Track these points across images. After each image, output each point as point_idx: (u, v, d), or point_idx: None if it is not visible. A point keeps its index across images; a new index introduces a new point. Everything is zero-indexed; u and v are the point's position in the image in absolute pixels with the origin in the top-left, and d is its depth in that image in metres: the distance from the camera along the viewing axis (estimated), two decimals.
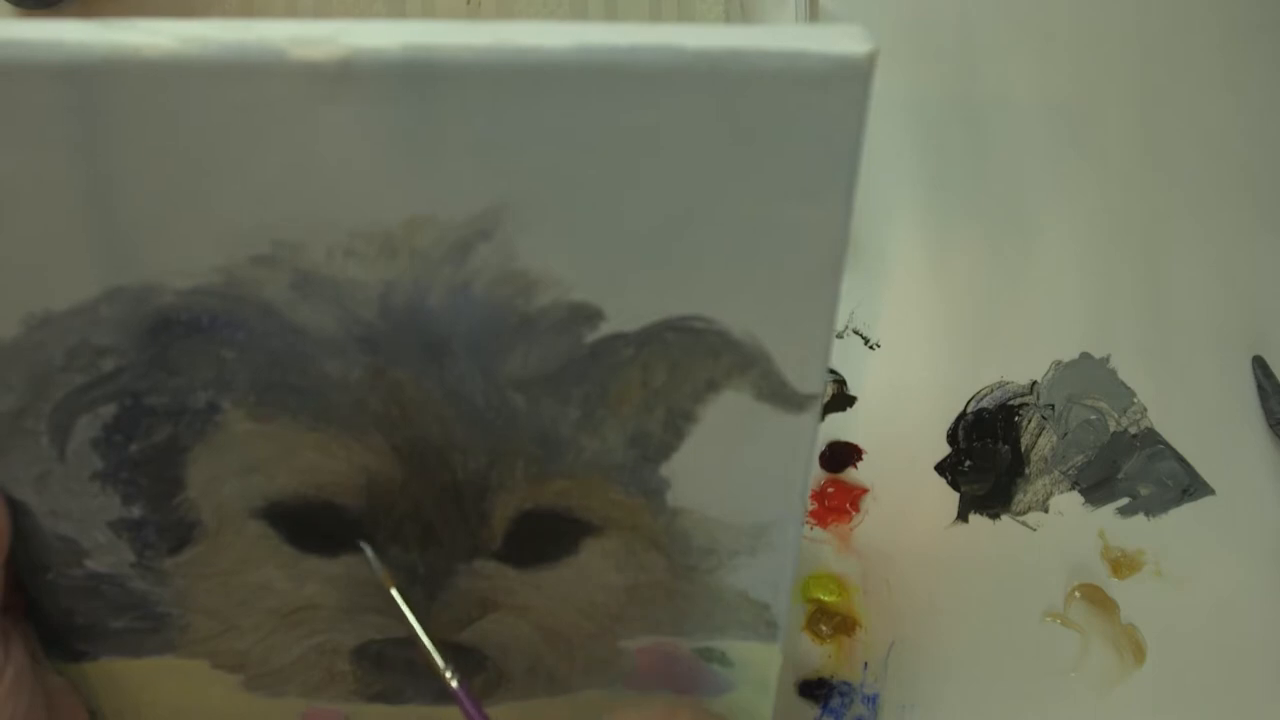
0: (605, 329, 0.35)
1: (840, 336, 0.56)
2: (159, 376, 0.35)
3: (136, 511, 0.37)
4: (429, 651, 0.38)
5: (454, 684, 0.37)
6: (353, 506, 0.38)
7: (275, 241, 0.33)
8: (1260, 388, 0.58)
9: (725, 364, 0.36)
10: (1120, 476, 0.57)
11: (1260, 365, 0.58)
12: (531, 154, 0.32)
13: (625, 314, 0.35)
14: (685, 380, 0.37)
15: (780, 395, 0.37)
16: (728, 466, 0.38)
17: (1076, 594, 0.56)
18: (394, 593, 0.39)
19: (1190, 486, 0.57)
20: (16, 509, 0.37)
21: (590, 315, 0.35)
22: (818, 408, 0.37)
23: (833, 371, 0.56)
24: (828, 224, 0.34)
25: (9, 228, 0.32)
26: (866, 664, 0.54)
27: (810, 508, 0.55)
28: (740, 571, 0.40)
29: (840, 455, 0.56)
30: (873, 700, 0.54)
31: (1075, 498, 0.57)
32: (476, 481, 0.38)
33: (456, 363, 0.35)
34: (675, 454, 0.38)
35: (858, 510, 0.55)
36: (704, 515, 0.39)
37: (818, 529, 0.55)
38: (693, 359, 0.36)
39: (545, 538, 0.39)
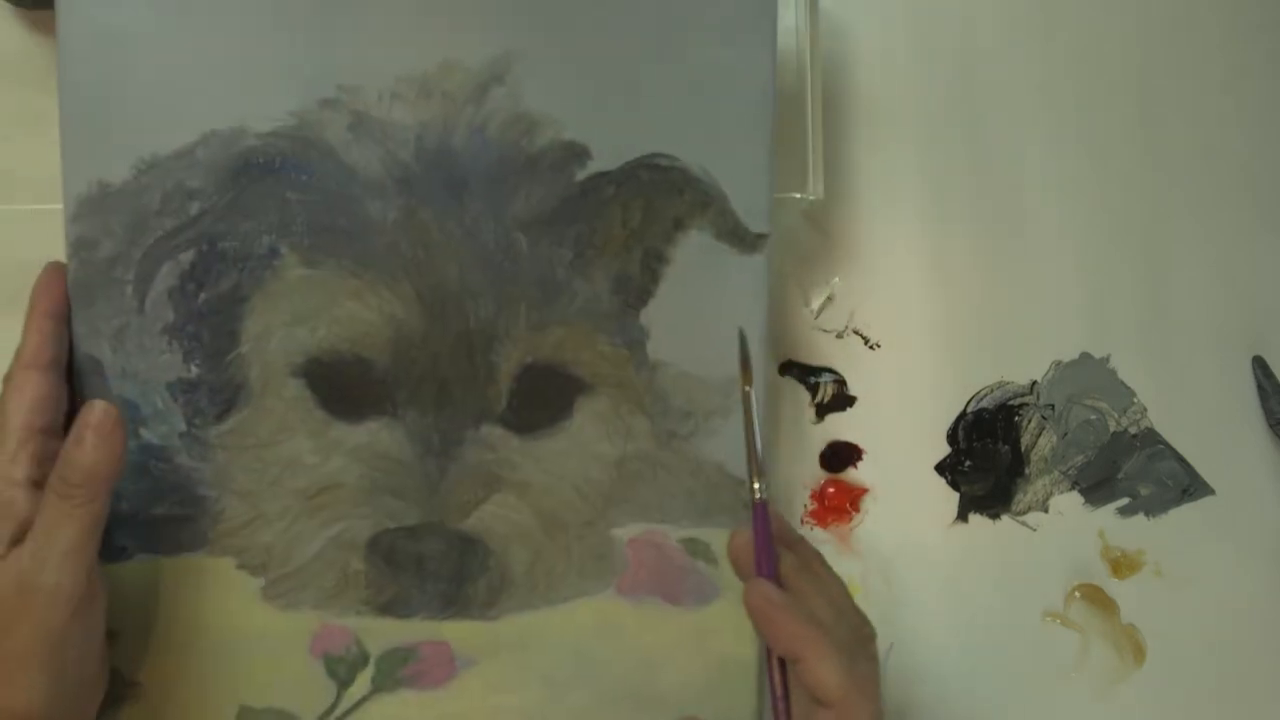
0: (592, 167, 0.46)
1: (840, 336, 0.56)
2: (234, 220, 0.44)
3: (194, 370, 0.45)
4: (754, 454, 0.43)
5: (759, 496, 0.43)
6: (380, 363, 0.45)
7: (339, 86, 0.44)
8: (1260, 388, 0.58)
9: (688, 201, 0.46)
10: (1120, 476, 0.57)
11: (1260, 365, 0.58)
12: (537, 4, 0.45)
13: (607, 153, 0.46)
14: (657, 220, 0.46)
15: (736, 234, 0.47)
16: (697, 313, 0.47)
17: (1076, 594, 0.56)
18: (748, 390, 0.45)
19: (1190, 486, 0.57)
20: (92, 369, 0.44)
21: (579, 153, 0.46)
22: (767, 250, 0.47)
23: (832, 371, 0.56)
24: (754, 65, 0.46)
25: (135, 77, 0.43)
26: None
27: (810, 508, 0.55)
28: (716, 438, 0.47)
29: (840, 455, 0.56)
30: None
31: (1075, 498, 0.57)
32: (486, 331, 0.46)
33: (474, 201, 0.45)
34: (652, 300, 0.47)
35: (858, 510, 0.55)
36: (680, 370, 0.47)
37: (818, 529, 0.55)
38: (662, 196, 0.46)
39: (543, 396, 0.46)
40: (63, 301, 0.44)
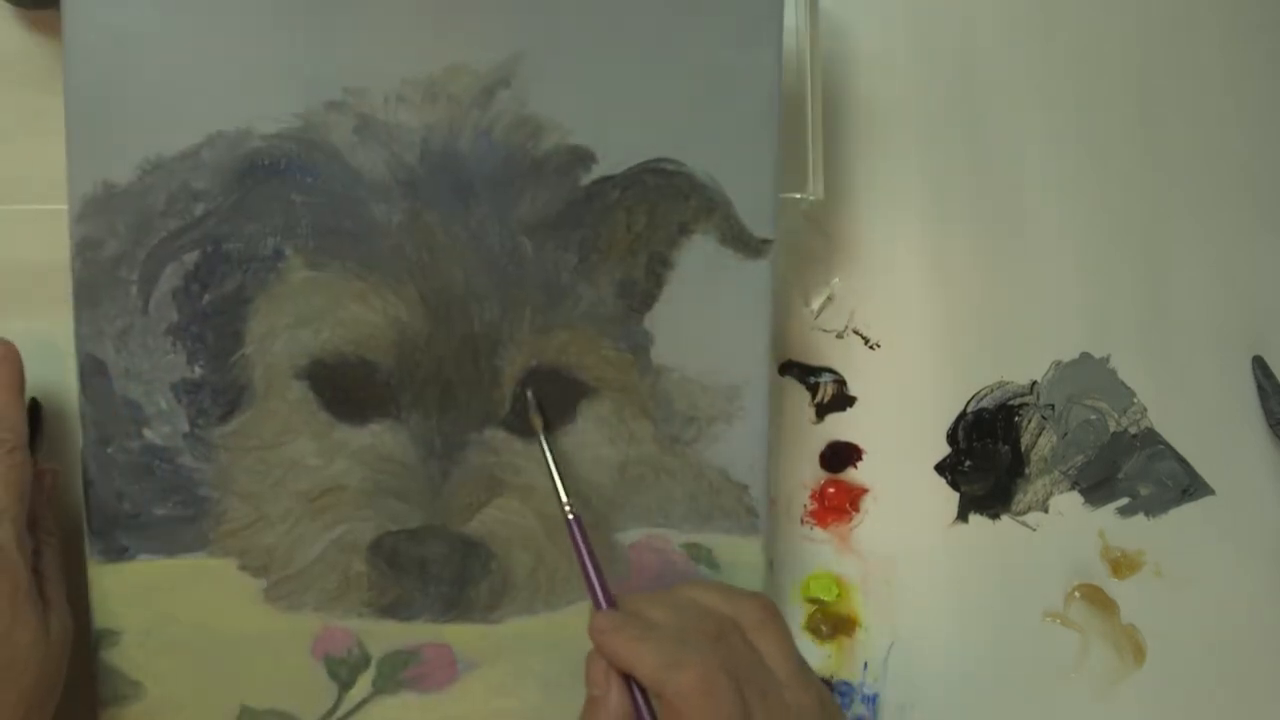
0: (597, 171, 0.46)
1: (840, 336, 0.56)
2: (239, 221, 0.44)
3: (198, 370, 0.45)
4: (553, 474, 0.45)
5: (570, 515, 0.44)
6: (384, 365, 0.46)
7: (345, 88, 0.44)
8: (1260, 388, 0.58)
9: (694, 206, 0.47)
10: (1120, 476, 0.57)
11: (1260, 365, 0.58)
12: (544, 8, 0.45)
13: (612, 157, 0.46)
14: (662, 224, 0.46)
15: (740, 239, 0.47)
16: (701, 319, 0.47)
17: (1076, 594, 0.56)
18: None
19: (1190, 486, 0.57)
20: (95, 369, 0.44)
21: (584, 157, 0.46)
22: (772, 256, 0.47)
23: (832, 371, 0.56)
24: (760, 70, 0.46)
25: (141, 78, 0.43)
26: (866, 664, 0.54)
27: (810, 507, 0.55)
28: (719, 444, 0.48)
29: (840, 455, 0.56)
30: (872, 700, 0.54)
31: (1075, 498, 0.57)
32: (490, 334, 0.46)
33: (479, 204, 0.45)
34: (656, 304, 0.47)
35: (858, 510, 0.55)
36: (683, 376, 0.47)
37: (818, 529, 0.55)
38: (667, 201, 0.46)
39: (547, 399, 0.46)
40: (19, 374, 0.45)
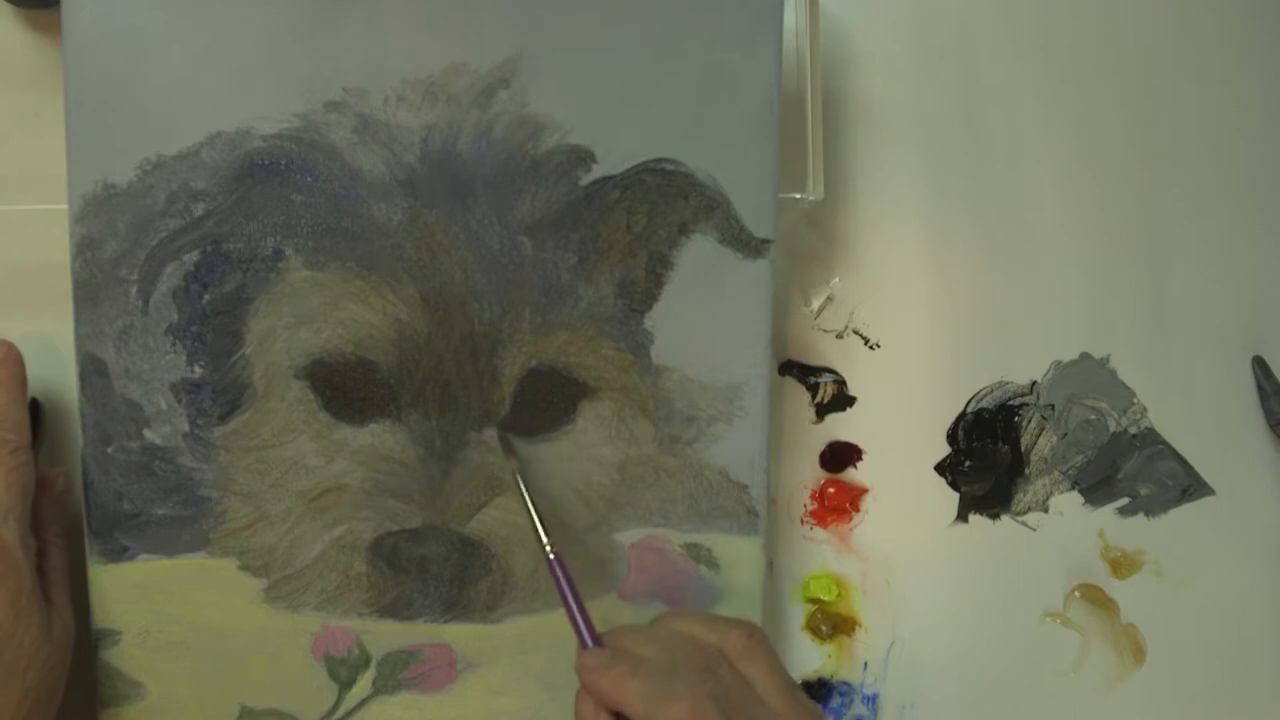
0: (596, 171, 0.46)
1: (840, 336, 0.56)
2: (238, 221, 0.45)
3: (198, 370, 0.45)
4: (532, 514, 0.44)
5: (550, 555, 0.44)
6: (384, 365, 0.46)
7: (344, 88, 0.44)
8: (1260, 388, 0.58)
9: (693, 206, 0.47)
10: (1120, 476, 0.57)
11: (1260, 365, 0.58)
12: (543, 8, 0.45)
13: (611, 157, 0.46)
14: (662, 224, 0.47)
15: (740, 239, 0.47)
16: (701, 318, 0.47)
17: (1076, 594, 0.56)
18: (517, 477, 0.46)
19: (1190, 486, 0.57)
20: (95, 369, 0.44)
21: (584, 157, 0.46)
22: (772, 255, 0.47)
23: (832, 371, 0.56)
24: (760, 70, 0.46)
25: (141, 77, 0.43)
26: (866, 664, 0.54)
27: (810, 507, 0.55)
28: (719, 444, 0.48)
29: (840, 455, 0.56)
30: (872, 700, 0.54)
31: (1075, 498, 0.57)
32: (490, 334, 0.46)
33: (479, 204, 0.45)
34: (656, 304, 0.47)
35: (858, 510, 0.55)
36: (683, 376, 0.48)
37: (818, 529, 0.55)
38: (667, 201, 0.47)
39: (547, 399, 0.47)
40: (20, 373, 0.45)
